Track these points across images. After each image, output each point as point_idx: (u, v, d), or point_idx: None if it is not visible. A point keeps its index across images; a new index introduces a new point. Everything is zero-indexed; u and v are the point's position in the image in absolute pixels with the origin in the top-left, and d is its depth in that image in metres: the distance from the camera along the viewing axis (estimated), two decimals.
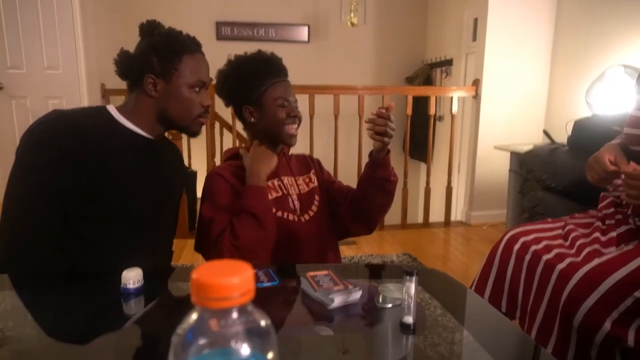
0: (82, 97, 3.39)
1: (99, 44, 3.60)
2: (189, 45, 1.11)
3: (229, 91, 1.28)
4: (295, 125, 1.26)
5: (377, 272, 1.22)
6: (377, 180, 1.22)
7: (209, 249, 1.14)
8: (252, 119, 1.25)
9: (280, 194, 1.26)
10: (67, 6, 3.29)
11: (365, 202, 1.27)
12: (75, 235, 1.03)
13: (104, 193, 1.04)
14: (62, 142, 0.99)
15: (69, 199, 1.00)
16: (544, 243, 1.24)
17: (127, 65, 1.11)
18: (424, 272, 1.09)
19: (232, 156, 1.31)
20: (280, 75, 1.26)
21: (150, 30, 1.11)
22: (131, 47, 1.12)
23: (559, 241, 1.26)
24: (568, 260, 1.13)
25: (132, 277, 0.82)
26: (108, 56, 1.12)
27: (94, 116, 1.09)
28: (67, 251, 1.03)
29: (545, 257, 1.18)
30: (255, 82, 1.23)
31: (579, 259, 1.13)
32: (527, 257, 1.23)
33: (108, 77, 3.42)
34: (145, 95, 1.10)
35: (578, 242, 1.22)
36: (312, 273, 0.89)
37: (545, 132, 2.72)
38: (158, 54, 1.08)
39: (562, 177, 2.00)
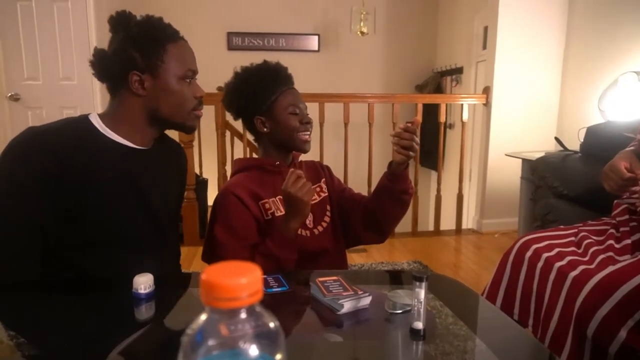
0: (96, 107, 3.45)
1: None
2: (170, 33, 1.01)
3: (239, 103, 1.26)
4: (309, 132, 1.26)
5: (387, 278, 1.22)
6: (395, 193, 1.22)
7: None
8: (265, 129, 1.24)
9: None
10: (83, 18, 3.37)
11: (380, 212, 1.26)
12: (68, 262, 0.97)
13: (89, 218, 0.95)
14: (35, 168, 0.92)
15: (51, 227, 0.93)
16: (556, 250, 1.22)
17: (106, 64, 0.99)
18: (435, 278, 1.08)
19: (243, 168, 1.27)
20: (288, 83, 1.26)
21: (125, 22, 0.99)
22: None
23: (572, 248, 1.24)
24: (581, 267, 1.11)
25: (144, 283, 0.83)
26: None
27: (73, 130, 0.99)
28: (61, 277, 0.97)
29: (558, 264, 1.16)
30: (265, 92, 1.22)
31: (593, 266, 1.12)
32: (540, 264, 1.21)
33: None
34: (131, 95, 0.99)
35: (591, 250, 1.20)
36: (321, 279, 0.89)
37: (557, 139, 2.69)
38: (139, 47, 0.96)
39: (575, 184, 1.98)
